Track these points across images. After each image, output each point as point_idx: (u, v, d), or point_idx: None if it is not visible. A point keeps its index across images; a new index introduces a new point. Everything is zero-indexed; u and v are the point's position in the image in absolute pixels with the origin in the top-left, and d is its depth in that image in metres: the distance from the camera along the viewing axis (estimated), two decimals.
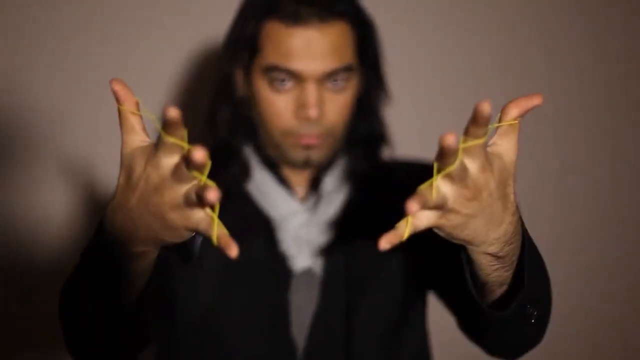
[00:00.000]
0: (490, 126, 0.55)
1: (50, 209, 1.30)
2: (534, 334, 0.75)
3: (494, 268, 0.64)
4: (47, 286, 1.06)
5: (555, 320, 0.82)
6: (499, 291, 0.68)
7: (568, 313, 1.48)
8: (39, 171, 1.30)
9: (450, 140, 0.51)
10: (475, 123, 0.53)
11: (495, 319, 0.69)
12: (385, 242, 0.54)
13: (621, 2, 1.55)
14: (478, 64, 1.48)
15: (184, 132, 0.54)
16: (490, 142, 0.59)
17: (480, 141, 0.54)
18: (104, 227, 0.63)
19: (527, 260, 0.66)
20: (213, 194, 0.50)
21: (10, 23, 1.27)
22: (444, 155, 0.52)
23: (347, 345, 0.95)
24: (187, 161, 0.52)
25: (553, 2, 1.51)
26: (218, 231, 0.54)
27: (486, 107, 0.52)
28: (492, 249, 0.61)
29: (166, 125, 0.52)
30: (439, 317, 1.10)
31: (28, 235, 1.30)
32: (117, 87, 0.60)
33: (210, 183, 0.52)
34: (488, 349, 0.84)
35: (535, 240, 0.90)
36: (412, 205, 0.52)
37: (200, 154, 0.50)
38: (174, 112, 0.51)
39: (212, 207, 0.55)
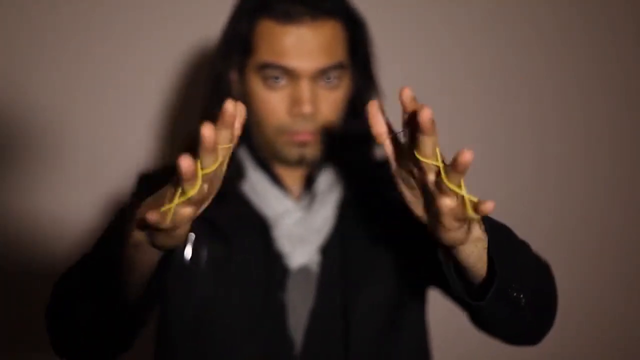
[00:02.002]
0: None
1: (50, 208, 1.31)
2: (531, 318, 0.76)
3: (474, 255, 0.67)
4: (47, 286, 1.06)
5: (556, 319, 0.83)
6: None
7: (568, 311, 1.48)
8: (39, 171, 1.30)
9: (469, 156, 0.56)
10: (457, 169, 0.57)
11: (481, 308, 0.70)
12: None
13: (621, 2, 1.55)
14: (477, 63, 1.48)
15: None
16: None
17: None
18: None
19: (493, 246, 0.68)
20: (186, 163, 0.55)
21: (10, 23, 1.28)
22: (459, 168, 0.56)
23: (346, 341, 0.95)
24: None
25: (553, 2, 1.52)
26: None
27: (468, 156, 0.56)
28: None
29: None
30: (439, 315, 1.11)
31: (28, 235, 1.30)
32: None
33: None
34: (502, 338, 0.85)
35: (534, 238, 0.90)
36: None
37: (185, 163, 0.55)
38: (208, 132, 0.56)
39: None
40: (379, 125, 0.65)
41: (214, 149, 0.57)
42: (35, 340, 1.32)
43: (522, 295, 0.71)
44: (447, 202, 0.59)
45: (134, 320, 0.77)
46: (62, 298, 0.80)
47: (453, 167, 0.56)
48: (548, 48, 1.52)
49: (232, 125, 0.59)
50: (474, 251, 0.66)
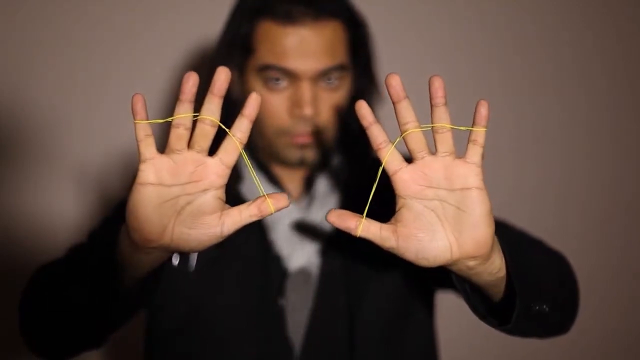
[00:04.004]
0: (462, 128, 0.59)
1: (50, 209, 1.31)
2: (558, 317, 0.76)
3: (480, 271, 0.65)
4: None
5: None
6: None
7: None
8: (39, 171, 1.30)
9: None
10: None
11: (506, 331, 0.70)
12: None
13: (624, 2, 1.55)
14: (478, 62, 1.48)
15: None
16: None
17: None
18: None
19: (510, 269, 0.67)
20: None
21: (9, 23, 1.27)
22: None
23: (351, 342, 0.95)
24: None
25: (555, 1, 1.51)
26: None
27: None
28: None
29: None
30: (445, 315, 1.10)
31: (28, 235, 1.30)
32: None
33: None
34: (535, 337, 0.84)
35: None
36: None
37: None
38: None
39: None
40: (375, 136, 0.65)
41: (220, 96, 0.62)
42: None
43: (545, 306, 0.71)
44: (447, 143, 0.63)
45: (116, 315, 0.76)
46: (45, 284, 0.80)
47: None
48: (550, 47, 1.51)
49: (221, 97, 0.62)
50: (490, 280, 0.65)
